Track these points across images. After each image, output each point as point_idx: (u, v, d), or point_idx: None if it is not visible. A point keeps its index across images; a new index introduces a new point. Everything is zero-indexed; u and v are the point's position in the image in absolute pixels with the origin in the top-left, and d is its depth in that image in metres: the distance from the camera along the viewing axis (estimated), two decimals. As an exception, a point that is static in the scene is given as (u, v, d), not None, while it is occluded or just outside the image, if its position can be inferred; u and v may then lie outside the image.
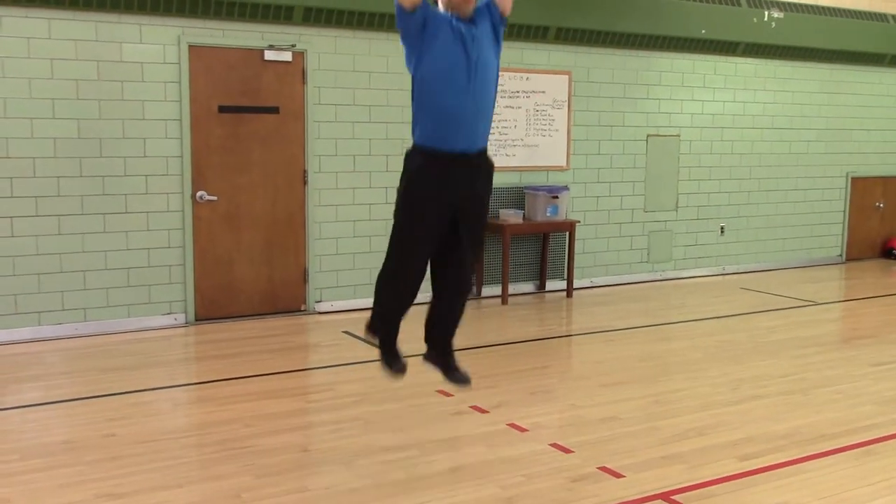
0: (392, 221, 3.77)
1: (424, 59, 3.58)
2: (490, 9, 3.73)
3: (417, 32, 3.56)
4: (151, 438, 4.40)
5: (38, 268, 6.31)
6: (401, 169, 3.73)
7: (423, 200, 3.64)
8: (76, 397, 5.07)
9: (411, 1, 3.48)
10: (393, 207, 3.77)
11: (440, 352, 3.97)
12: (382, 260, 3.83)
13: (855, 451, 4.35)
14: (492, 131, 7.92)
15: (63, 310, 6.43)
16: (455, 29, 3.58)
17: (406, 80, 3.82)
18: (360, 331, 6.61)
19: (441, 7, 3.68)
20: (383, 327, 3.94)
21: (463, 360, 4.00)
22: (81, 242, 6.43)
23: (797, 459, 4.21)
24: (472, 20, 3.66)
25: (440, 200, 3.64)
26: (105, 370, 5.64)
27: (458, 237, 3.74)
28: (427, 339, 4.00)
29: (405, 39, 3.62)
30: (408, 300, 3.82)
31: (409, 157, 3.71)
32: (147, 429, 4.55)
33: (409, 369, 3.92)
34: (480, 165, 3.73)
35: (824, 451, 4.33)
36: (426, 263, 3.76)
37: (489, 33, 3.70)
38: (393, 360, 3.92)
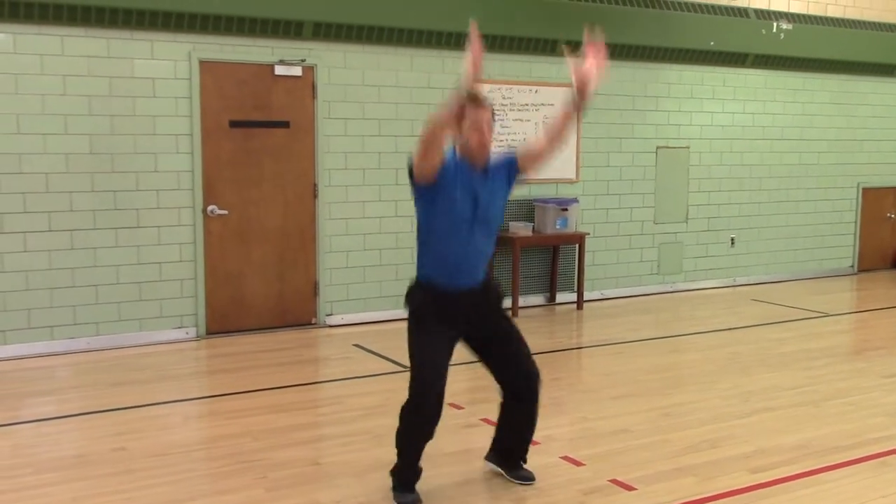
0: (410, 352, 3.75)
1: (431, 209, 3.64)
2: (510, 166, 3.79)
3: (429, 187, 3.60)
4: (163, 452, 4.41)
5: (51, 282, 6.36)
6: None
7: (433, 330, 3.68)
8: (88, 411, 5.09)
9: (425, 179, 3.54)
10: (407, 326, 3.77)
11: (508, 458, 4.02)
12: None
13: (868, 462, 4.32)
14: (501, 143, 7.92)
15: (75, 324, 6.46)
16: (466, 184, 3.61)
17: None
18: (371, 344, 6.69)
19: (457, 151, 3.68)
20: (406, 471, 3.84)
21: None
22: (94, 257, 6.48)
23: (809, 472, 4.19)
24: (486, 169, 3.70)
25: (450, 328, 3.71)
26: (117, 384, 5.67)
27: (497, 342, 3.80)
28: (497, 447, 4.05)
29: (415, 189, 3.67)
30: (430, 428, 3.76)
31: (412, 292, 3.78)
32: (158, 442, 4.57)
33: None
34: (485, 293, 3.80)
35: (837, 463, 4.31)
36: (444, 387, 3.69)
37: (503, 180, 3.77)
38: (406, 493, 3.81)
